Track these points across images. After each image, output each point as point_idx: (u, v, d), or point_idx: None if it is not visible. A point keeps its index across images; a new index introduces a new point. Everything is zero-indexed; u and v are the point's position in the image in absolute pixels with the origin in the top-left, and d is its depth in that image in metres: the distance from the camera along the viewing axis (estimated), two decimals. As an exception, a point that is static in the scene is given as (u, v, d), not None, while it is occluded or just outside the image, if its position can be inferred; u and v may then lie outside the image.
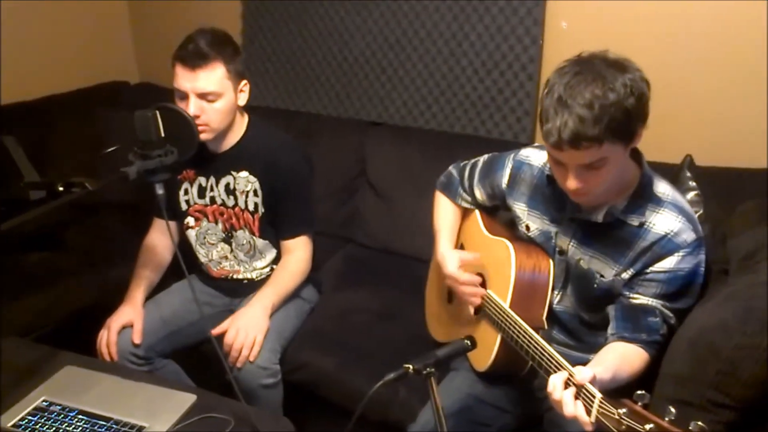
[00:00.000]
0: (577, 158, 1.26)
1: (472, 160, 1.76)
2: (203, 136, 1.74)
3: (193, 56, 1.71)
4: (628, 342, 1.35)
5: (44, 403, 1.44)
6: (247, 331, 1.76)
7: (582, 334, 1.53)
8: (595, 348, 1.49)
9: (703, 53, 2.07)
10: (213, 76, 1.73)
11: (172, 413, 1.42)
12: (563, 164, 1.30)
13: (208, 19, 2.84)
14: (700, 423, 0.92)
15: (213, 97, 1.74)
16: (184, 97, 1.74)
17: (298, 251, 1.96)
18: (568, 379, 1.17)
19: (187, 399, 1.46)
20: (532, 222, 1.55)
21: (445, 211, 1.79)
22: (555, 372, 1.21)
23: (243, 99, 1.85)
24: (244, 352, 1.74)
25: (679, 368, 1.27)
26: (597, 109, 1.20)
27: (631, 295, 1.38)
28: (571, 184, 1.30)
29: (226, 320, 1.81)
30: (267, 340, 1.80)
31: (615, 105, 1.20)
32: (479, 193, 1.71)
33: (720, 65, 2.06)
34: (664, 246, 1.33)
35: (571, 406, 1.13)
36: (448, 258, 1.66)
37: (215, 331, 1.77)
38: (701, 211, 1.74)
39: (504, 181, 1.61)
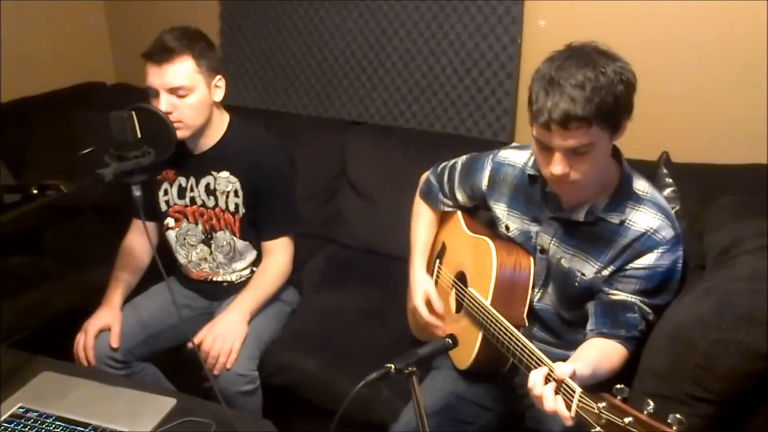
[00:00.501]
0: (565, 140, 1.25)
1: (450, 162, 1.76)
2: (179, 134, 1.72)
3: (159, 52, 1.70)
4: (606, 338, 1.36)
5: (21, 409, 1.42)
6: (224, 339, 1.75)
7: (562, 331, 1.54)
8: (575, 345, 1.50)
9: (680, 51, 2.10)
10: (181, 70, 1.71)
11: (152, 417, 1.40)
12: (549, 149, 1.29)
13: (186, 19, 2.80)
14: (678, 416, 0.93)
15: (183, 92, 1.72)
16: (156, 94, 1.72)
17: (279, 254, 1.94)
18: (549, 374, 1.17)
19: (167, 403, 1.45)
20: (512, 222, 1.56)
21: (422, 221, 1.82)
22: (536, 368, 1.22)
23: (219, 95, 1.83)
24: (221, 360, 1.73)
25: (657, 363, 1.28)
26: (588, 91, 1.21)
27: (611, 291, 1.39)
28: (556, 168, 1.29)
29: (203, 328, 1.79)
30: (245, 346, 1.79)
31: (606, 89, 1.22)
32: (461, 196, 1.72)
33: (696, 63, 2.08)
34: (644, 243, 1.35)
35: (552, 401, 1.14)
36: (418, 287, 1.73)
37: (196, 341, 1.75)
38: (678, 207, 1.76)
39: (484, 182, 1.61)
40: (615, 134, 1.29)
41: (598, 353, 1.32)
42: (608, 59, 1.25)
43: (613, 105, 1.23)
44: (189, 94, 1.73)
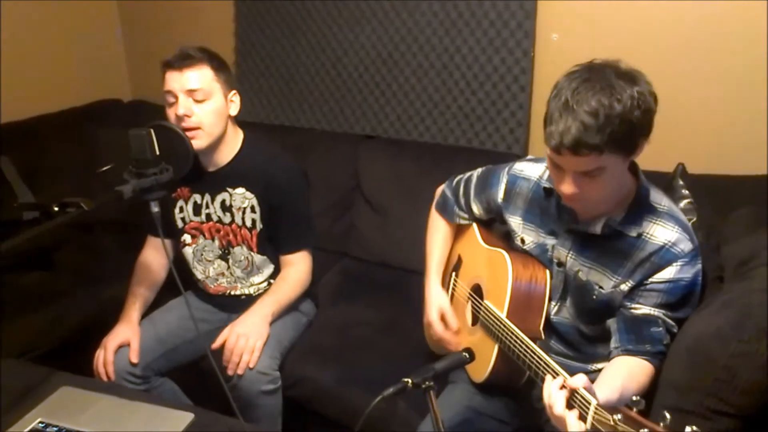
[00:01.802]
0: (576, 164, 1.26)
1: (465, 176, 1.77)
2: (196, 143, 1.74)
3: (180, 58, 1.75)
4: (632, 355, 1.34)
5: (41, 425, 1.42)
6: (248, 337, 1.76)
7: (580, 345, 1.53)
8: (593, 358, 1.50)
9: (694, 62, 2.09)
10: (200, 75, 1.75)
11: (170, 432, 1.41)
12: (561, 168, 1.30)
13: (202, 32, 2.87)
14: (694, 428, 0.92)
15: (201, 96, 1.75)
16: (173, 100, 1.75)
17: (299, 264, 1.96)
18: (563, 385, 1.17)
19: (185, 418, 1.45)
20: (527, 235, 1.56)
21: (438, 235, 1.82)
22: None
23: (234, 109, 1.85)
24: (244, 358, 1.74)
25: (677, 376, 1.27)
26: (601, 118, 1.19)
27: (633, 306, 1.38)
28: (567, 188, 1.30)
29: (224, 330, 1.80)
30: (267, 346, 1.80)
31: (620, 116, 1.20)
32: (476, 209, 1.72)
33: (711, 74, 2.08)
34: (663, 256, 1.34)
35: (560, 405, 1.14)
36: (432, 302, 1.73)
37: (215, 345, 1.77)
38: (695, 219, 1.75)
39: (499, 195, 1.62)
40: (630, 156, 1.28)
41: (625, 375, 1.30)
42: (627, 83, 1.22)
43: (627, 132, 1.22)
44: (207, 100, 1.76)
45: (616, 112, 1.20)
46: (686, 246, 1.34)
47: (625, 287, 1.38)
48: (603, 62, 1.27)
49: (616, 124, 1.20)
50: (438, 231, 1.82)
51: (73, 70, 3.14)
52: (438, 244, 1.81)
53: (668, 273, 1.34)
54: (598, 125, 1.19)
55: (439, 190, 1.85)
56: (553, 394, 1.17)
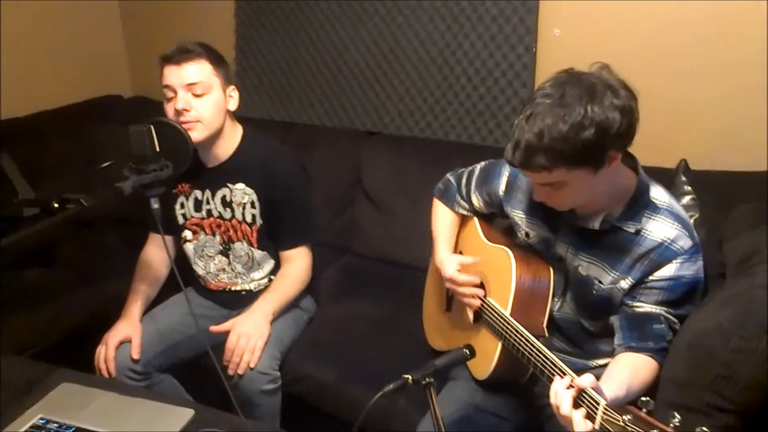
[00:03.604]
0: (532, 177, 1.30)
1: (469, 168, 1.76)
2: (195, 135, 1.73)
3: (179, 53, 1.75)
4: (635, 352, 1.34)
5: (41, 420, 1.43)
6: (249, 337, 1.76)
7: (582, 341, 1.53)
8: (594, 355, 1.50)
9: (697, 58, 2.08)
10: (200, 69, 1.75)
11: (171, 428, 1.41)
12: None
13: (203, 28, 2.87)
14: (705, 429, 0.92)
15: (201, 90, 1.74)
16: (171, 95, 1.75)
17: (299, 260, 1.96)
18: (570, 385, 1.17)
19: (186, 414, 1.46)
20: (532, 229, 1.55)
21: (442, 218, 1.79)
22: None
23: (232, 104, 1.86)
24: (245, 358, 1.74)
25: (678, 373, 1.27)
26: (546, 140, 1.21)
27: (634, 304, 1.37)
28: (536, 196, 1.37)
29: (227, 321, 1.81)
30: (267, 346, 1.80)
31: (564, 138, 1.20)
32: (476, 200, 1.71)
33: (714, 70, 2.07)
34: (662, 254, 1.33)
35: (567, 406, 1.14)
36: (447, 261, 1.68)
37: (214, 328, 1.78)
38: (697, 215, 1.74)
39: (501, 188, 1.61)
40: (596, 168, 1.26)
41: (630, 371, 1.30)
42: (585, 99, 1.20)
43: (576, 152, 1.21)
44: (206, 94, 1.76)
45: (560, 135, 1.20)
46: (685, 243, 1.34)
47: (624, 284, 1.38)
48: (576, 75, 1.26)
49: (561, 146, 1.20)
50: (442, 215, 1.79)
51: (74, 66, 3.13)
52: (444, 226, 1.78)
53: (668, 270, 1.33)
54: (542, 147, 1.21)
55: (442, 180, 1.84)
56: (560, 393, 1.17)
